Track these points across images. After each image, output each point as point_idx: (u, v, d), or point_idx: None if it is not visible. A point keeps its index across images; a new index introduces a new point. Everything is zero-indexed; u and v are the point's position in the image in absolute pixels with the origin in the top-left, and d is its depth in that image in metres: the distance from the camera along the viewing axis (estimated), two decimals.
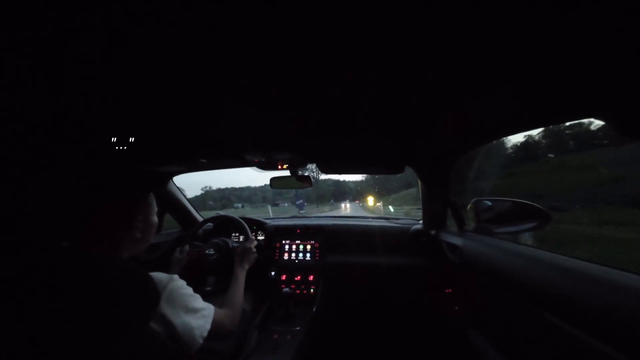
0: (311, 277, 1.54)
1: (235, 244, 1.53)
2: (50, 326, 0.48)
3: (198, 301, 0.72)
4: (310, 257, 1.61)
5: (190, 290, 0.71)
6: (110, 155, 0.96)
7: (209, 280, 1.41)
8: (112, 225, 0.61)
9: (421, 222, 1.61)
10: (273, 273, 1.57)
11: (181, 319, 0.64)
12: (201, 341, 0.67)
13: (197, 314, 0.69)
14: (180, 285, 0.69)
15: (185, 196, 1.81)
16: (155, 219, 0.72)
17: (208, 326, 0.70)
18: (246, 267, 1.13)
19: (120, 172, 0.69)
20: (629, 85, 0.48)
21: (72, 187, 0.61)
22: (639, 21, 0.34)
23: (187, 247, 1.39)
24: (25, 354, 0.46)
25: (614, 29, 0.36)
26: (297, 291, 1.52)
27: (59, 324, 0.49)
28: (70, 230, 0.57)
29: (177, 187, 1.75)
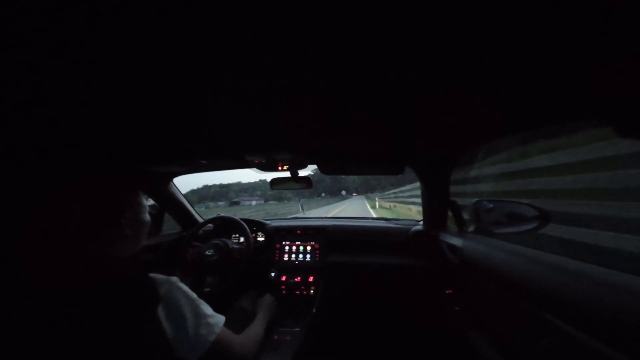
0: (311, 278, 1.54)
1: (235, 245, 1.53)
2: (48, 326, 0.48)
3: (203, 306, 0.67)
4: (310, 258, 1.61)
5: (193, 294, 0.66)
6: (107, 156, 0.96)
7: (208, 281, 1.41)
8: (99, 222, 0.61)
9: (421, 223, 1.61)
10: (273, 274, 1.57)
11: (180, 323, 0.60)
12: (199, 353, 0.61)
13: (201, 321, 0.64)
14: (181, 287, 0.65)
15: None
16: (147, 217, 0.72)
17: (212, 337, 0.64)
18: (268, 318, 1.12)
19: (105, 170, 0.69)
20: (629, 87, 0.48)
21: (59, 183, 0.62)
22: (638, 21, 0.34)
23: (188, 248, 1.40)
24: (24, 354, 0.46)
25: (614, 29, 0.36)
26: (297, 292, 1.52)
27: (57, 324, 0.48)
28: (57, 227, 0.57)
29: (177, 188, 1.75)
